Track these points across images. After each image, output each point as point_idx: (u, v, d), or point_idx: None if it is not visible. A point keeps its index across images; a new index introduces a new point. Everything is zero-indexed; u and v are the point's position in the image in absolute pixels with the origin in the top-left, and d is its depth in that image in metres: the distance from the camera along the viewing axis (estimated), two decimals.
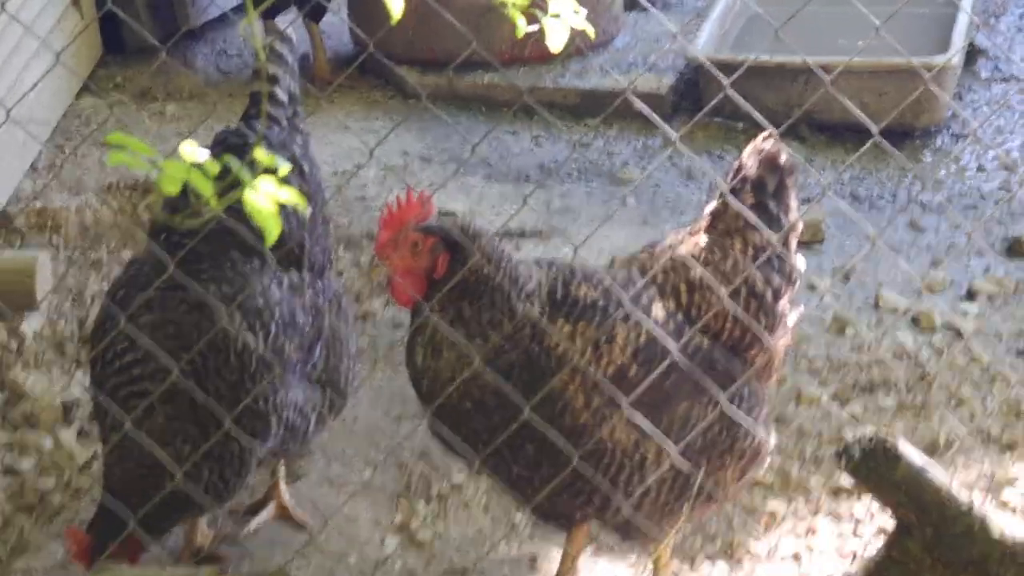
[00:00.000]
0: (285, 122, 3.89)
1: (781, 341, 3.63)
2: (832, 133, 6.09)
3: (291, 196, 2.54)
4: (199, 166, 2.45)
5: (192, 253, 3.56)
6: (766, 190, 3.58)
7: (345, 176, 5.75)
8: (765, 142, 3.58)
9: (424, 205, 3.33)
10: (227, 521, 4.07)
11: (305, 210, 2.72)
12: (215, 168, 2.48)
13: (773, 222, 3.56)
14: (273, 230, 2.55)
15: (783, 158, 3.59)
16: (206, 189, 2.47)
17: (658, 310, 3.47)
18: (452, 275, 3.27)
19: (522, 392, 3.27)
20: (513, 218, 5.43)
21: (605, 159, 6.23)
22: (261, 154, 2.62)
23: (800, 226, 3.68)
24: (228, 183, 2.57)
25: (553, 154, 6.29)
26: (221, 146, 3.76)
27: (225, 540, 4.03)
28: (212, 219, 3.08)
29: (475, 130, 6.44)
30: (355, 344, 4.02)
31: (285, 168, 2.55)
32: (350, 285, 5.21)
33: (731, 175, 3.60)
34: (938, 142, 6.26)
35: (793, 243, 3.66)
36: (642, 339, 3.39)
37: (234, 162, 2.53)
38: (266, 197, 2.50)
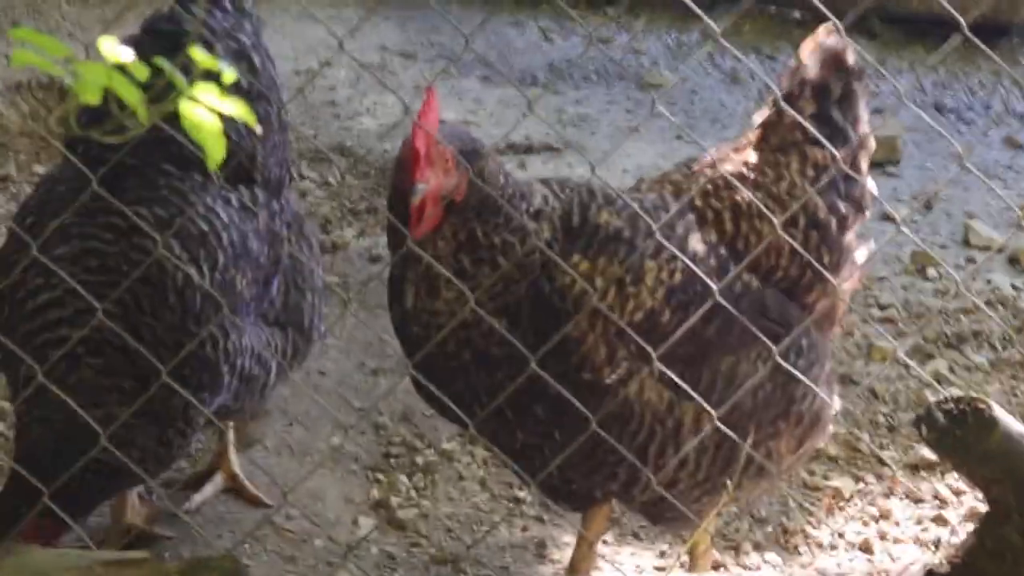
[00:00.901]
0: (229, 4, 3.87)
1: (847, 282, 3.64)
2: (910, 28, 6.08)
3: (237, 108, 2.53)
4: (123, 68, 2.43)
5: (118, 168, 3.51)
6: (830, 97, 3.61)
7: (309, 75, 5.72)
8: (828, 37, 3.58)
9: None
10: (164, 495, 4.02)
11: (254, 123, 2.71)
12: (143, 71, 2.45)
13: (838, 136, 3.58)
14: (216, 150, 2.54)
15: (850, 57, 3.58)
16: (131, 97, 2.45)
17: (696, 242, 3.48)
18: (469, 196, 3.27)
19: (531, 340, 3.24)
20: (517, 129, 5.40)
21: (630, 58, 6.29)
22: (198, 55, 2.60)
23: (872, 142, 3.69)
24: (161, 85, 2.55)
25: (566, 51, 6.33)
26: (152, 35, 3.74)
27: (161, 518, 3.97)
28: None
29: (469, 20, 6.43)
30: (320, 278, 4.02)
31: (230, 75, 2.54)
32: (315, 208, 5.20)
33: (787, 78, 3.62)
34: None
35: (863, 163, 3.67)
36: (676, 277, 3.40)
37: (166, 64, 2.52)
38: (207, 109, 2.49)
